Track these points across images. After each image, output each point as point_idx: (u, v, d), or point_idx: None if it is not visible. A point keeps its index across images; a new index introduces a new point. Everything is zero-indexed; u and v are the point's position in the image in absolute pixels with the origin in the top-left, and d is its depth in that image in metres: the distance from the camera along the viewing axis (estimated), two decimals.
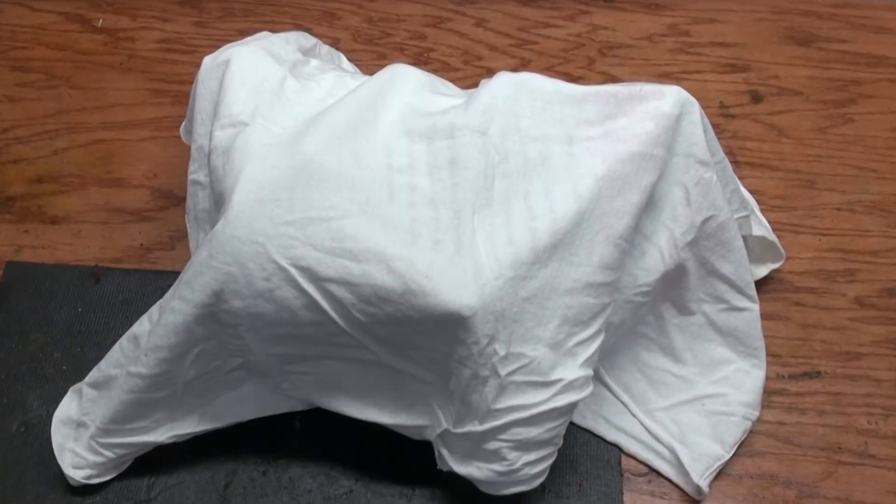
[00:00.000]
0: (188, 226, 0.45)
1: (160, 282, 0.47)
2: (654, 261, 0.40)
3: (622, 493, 0.42)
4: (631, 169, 0.37)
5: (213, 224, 0.37)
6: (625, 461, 0.43)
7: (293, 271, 0.35)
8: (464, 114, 0.38)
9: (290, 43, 0.45)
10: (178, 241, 0.50)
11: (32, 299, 0.48)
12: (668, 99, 0.38)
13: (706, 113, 0.40)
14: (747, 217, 0.45)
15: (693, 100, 0.39)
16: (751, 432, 0.43)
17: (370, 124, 0.38)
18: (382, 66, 0.41)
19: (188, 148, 0.44)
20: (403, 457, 0.42)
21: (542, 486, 0.39)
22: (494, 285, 0.35)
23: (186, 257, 0.40)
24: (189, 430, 0.41)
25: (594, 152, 0.37)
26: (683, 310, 0.44)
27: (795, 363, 0.46)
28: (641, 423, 0.44)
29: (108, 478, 0.41)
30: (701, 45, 0.60)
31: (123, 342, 0.40)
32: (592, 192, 0.36)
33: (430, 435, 0.40)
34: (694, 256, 0.42)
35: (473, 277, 0.35)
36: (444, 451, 0.39)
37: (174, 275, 0.39)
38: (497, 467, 0.37)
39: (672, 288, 0.43)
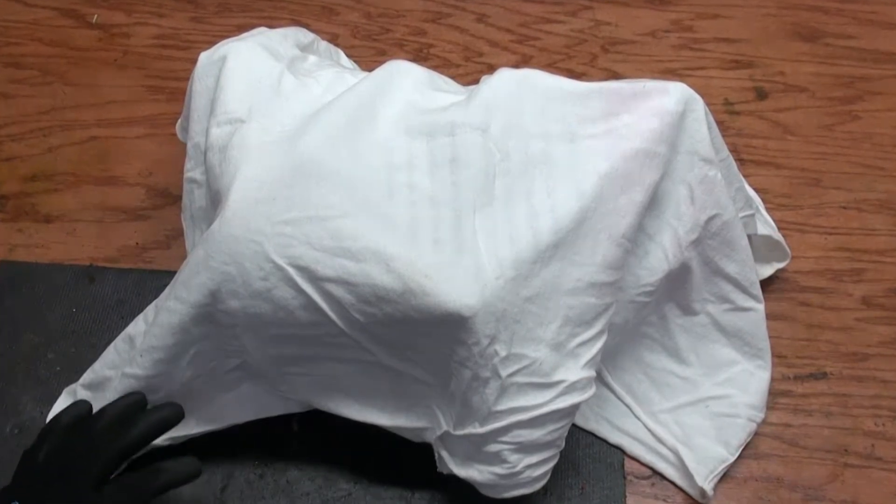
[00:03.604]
0: (184, 224, 0.44)
1: (156, 281, 0.47)
2: (658, 260, 0.40)
3: (625, 497, 0.41)
4: (634, 167, 0.37)
5: (210, 223, 0.37)
6: (628, 464, 0.43)
7: (291, 271, 0.35)
8: (465, 111, 0.37)
9: (287, 39, 0.45)
10: (174, 240, 0.49)
11: (26, 299, 0.47)
12: (671, 96, 0.38)
13: (710, 110, 0.40)
14: (752, 216, 0.44)
15: (697, 97, 0.39)
16: (756, 434, 0.43)
17: (369, 122, 0.37)
18: (382, 63, 0.41)
19: (184, 146, 0.44)
20: (403, 459, 0.41)
21: (544, 489, 0.39)
22: (495, 285, 0.34)
23: (182, 256, 0.39)
24: (185, 432, 0.40)
25: (597, 150, 0.37)
26: (687, 310, 0.43)
27: (801, 364, 0.46)
28: (645, 426, 0.43)
29: None
30: (705, 40, 0.59)
31: (118, 343, 0.39)
32: (595, 190, 0.36)
33: (430, 437, 0.39)
34: (698, 256, 0.41)
35: (474, 277, 0.34)
36: (445, 454, 0.39)
37: (170, 274, 0.38)
38: (498, 470, 0.37)
39: (676, 288, 0.42)
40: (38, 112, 0.55)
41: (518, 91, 0.38)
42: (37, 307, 0.47)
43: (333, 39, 0.58)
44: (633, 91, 0.38)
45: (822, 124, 0.55)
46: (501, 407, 0.36)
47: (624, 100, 0.38)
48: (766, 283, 0.47)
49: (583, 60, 0.58)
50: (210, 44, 0.43)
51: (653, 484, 0.42)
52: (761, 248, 0.47)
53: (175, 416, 0.36)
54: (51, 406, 0.41)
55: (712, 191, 0.40)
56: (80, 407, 0.36)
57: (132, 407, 0.36)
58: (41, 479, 0.34)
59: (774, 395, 0.44)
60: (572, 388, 0.36)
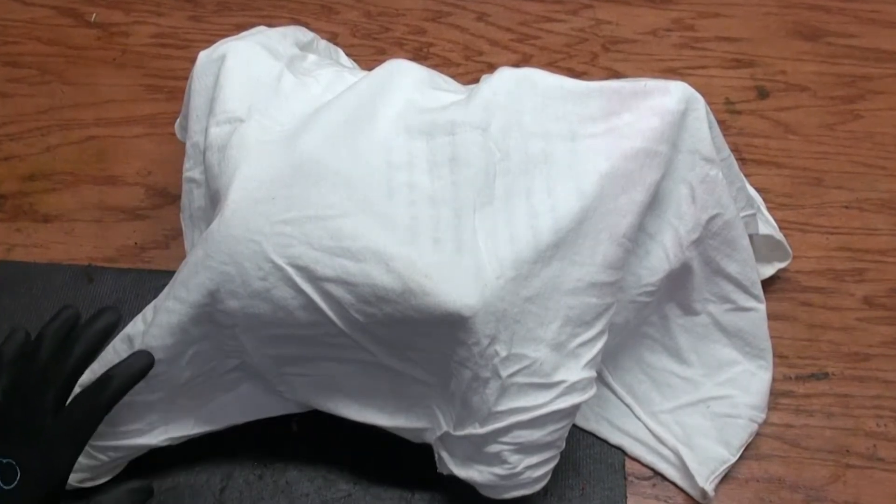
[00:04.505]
0: (183, 224, 0.44)
1: (154, 281, 0.47)
2: (659, 260, 0.39)
3: (626, 497, 0.41)
4: (635, 166, 0.37)
5: (209, 223, 0.36)
6: (629, 464, 0.42)
7: (290, 271, 0.35)
8: (464, 110, 0.37)
9: (287, 38, 0.44)
10: (173, 240, 0.49)
11: (24, 299, 0.47)
12: (672, 95, 0.38)
13: (711, 109, 0.40)
14: (753, 215, 0.44)
15: (698, 96, 0.39)
16: (757, 435, 0.43)
17: (369, 121, 0.37)
18: (381, 62, 0.41)
19: (183, 145, 0.44)
20: (402, 460, 0.41)
21: (545, 490, 0.38)
22: (495, 285, 0.34)
23: (181, 256, 0.39)
24: (184, 432, 0.40)
25: (598, 149, 0.36)
26: (688, 310, 0.43)
27: (803, 364, 0.45)
28: (646, 426, 0.43)
29: (101, 481, 0.41)
30: (706, 39, 0.59)
31: (117, 343, 0.39)
32: (596, 189, 0.36)
33: (430, 437, 0.39)
34: (699, 255, 0.41)
35: (474, 277, 0.34)
36: (444, 454, 0.38)
37: (169, 274, 0.38)
38: (498, 471, 0.37)
39: (677, 288, 0.42)
40: (36, 111, 0.55)
41: (518, 90, 0.38)
42: (35, 307, 0.46)
43: (333, 38, 0.58)
44: (634, 90, 0.38)
45: (823, 123, 0.55)
46: (502, 407, 0.36)
47: (624, 99, 0.37)
48: (767, 283, 0.47)
49: (583, 59, 0.58)
50: (209, 43, 0.43)
51: (654, 485, 0.42)
52: (762, 247, 0.47)
53: (113, 318, 0.36)
54: None
55: (713, 190, 0.39)
56: (17, 337, 0.35)
57: (68, 323, 0.36)
58: (3, 417, 0.34)
59: (776, 396, 0.44)
60: (573, 388, 0.36)
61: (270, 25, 0.46)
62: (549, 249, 0.35)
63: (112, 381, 0.34)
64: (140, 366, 0.35)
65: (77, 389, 0.39)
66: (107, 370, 0.35)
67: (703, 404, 0.43)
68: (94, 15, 0.60)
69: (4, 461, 0.33)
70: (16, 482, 0.33)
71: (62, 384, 0.34)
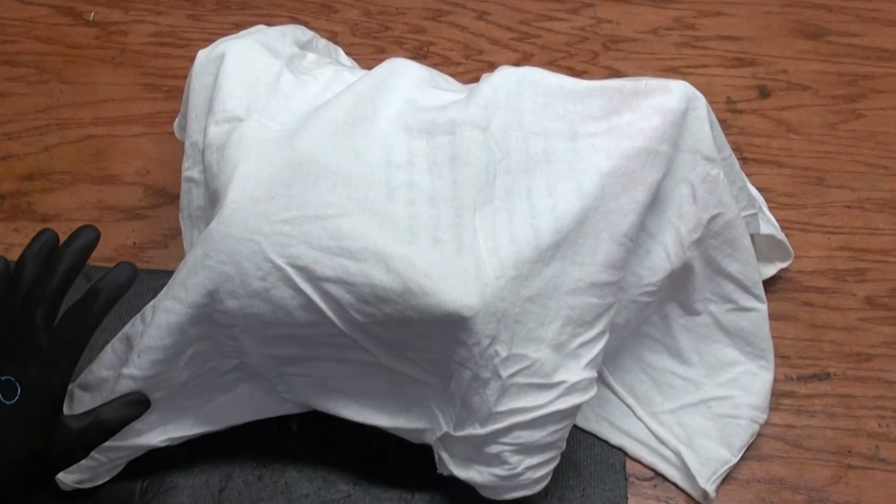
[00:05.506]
0: (182, 224, 0.44)
1: (153, 281, 0.47)
2: (660, 260, 0.39)
3: (627, 498, 0.41)
4: (636, 165, 0.36)
5: (208, 222, 0.36)
6: (630, 465, 0.42)
7: (290, 270, 0.35)
8: (464, 109, 0.37)
9: (286, 36, 0.44)
10: (172, 240, 0.49)
11: None
12: (673, 94, 0.38)
13: (713, 108, 0.40)
14: (755, 215, 0.44)
15: (699, 95, 0.39)
16: (758, 435, 0.43)
17: (368, 120, 0.37)
18: (381, 61, 0.40)
19: (182, 144, 0.43)
20: (402, 460, 0.41)
21: (545, 491, 0.38)
22: (496, 285, 0.34)
23: (180, 256, 0.39)
24: (183, 433, 0.40)
25: (598, 148, 0.36)
26: (689, 310, 0.43)
27: (804, 364, 0.45)
28: (647, 427, 0.43)
29: (99, 482, 0.40)
30: (707, 38, 0.59)
31: (115, 343, 0.39)
32: (597, 189, 0.36)
33: (430, 438, 0.39)
34: (700, 255, 0.41)
35: (474, 277, 0.34)
36: (445, 455, 0.38)
37: (168, 274, 0.38)
38: (499, 471, 0.37)
39: (678, 287, 0.42)
40: (34, 110, 0.55)
41: (519, 89, 0.38)
42: None
43: (332, 37, 0.58)
44: (635, 89, 0.38)
45: (825, 123, 0.55)
46: (502, 408, 0.35)
47: (625, 98, 0.37)
48: (768, 283, 0.47)
49: (584, 58, 0.58)
50: (208, 41, 0.42)
51: (655, 485, 0.42)
52: (764, 247, 0.47)
53: (92, 235, 0.36)
54: None
55: (714, 190, 0.39)
56: None
57: (48, 245, 0.35)
58: None
59: (777, 396, 0.44)
60: (573, 388, 0.36)
61: (269, 24, 0.46)
62: (549, 249, 0.35)
63: (100, 293, 0.34)
64: (125, 276, 0.35)
65: (77, 391, 0.39)
66: (93, 283, 0.35)
67: (704, 405, 0.43)
68: (93, 14, 0.60)
69: (3, 378, 0.34)
70: (17, 397, 0.34)
71: (49, 303, 0.34)
